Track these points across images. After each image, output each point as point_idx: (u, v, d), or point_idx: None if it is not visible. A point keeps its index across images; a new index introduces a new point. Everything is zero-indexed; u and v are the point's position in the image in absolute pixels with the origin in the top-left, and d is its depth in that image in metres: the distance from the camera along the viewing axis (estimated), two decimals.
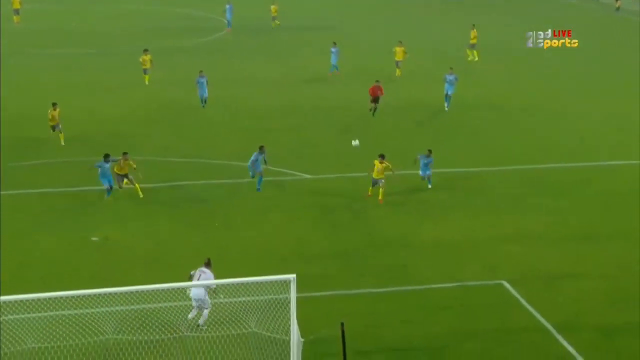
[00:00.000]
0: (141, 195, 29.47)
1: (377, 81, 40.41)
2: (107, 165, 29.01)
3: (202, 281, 19.25)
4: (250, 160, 29.80)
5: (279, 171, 32.99)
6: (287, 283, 17.55)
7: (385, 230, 26.54)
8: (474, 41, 55.88)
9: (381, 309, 21.48)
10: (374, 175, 29.40)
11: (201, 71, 42.36)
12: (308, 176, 32.71)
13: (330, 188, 31.29)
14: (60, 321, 18.55)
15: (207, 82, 41.91)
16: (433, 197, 29.95)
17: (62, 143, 36.02)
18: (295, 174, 32.87)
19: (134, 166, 29.59)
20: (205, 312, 19.64)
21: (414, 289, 22.53)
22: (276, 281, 17.96)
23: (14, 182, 31.26)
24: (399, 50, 49.08)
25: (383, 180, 29.28)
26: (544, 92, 46.40)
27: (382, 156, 29.53)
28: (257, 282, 18.44)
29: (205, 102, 41.96)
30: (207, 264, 20.30)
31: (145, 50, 48.04)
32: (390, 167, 29.41)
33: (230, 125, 40.10)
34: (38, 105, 40.74)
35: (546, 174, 32.77)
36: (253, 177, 30.23)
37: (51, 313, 18.63)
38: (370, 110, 40.10)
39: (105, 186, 29.24)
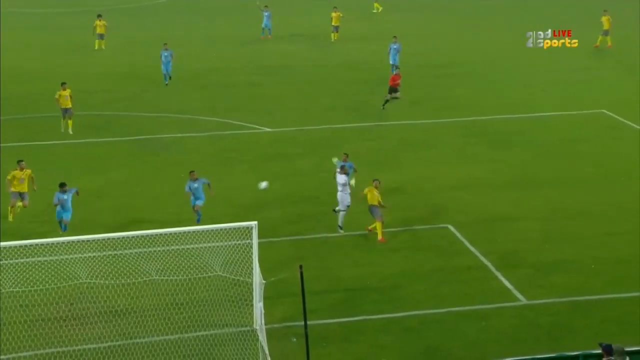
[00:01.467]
0: (10, 220, 22.77)
1: (396, 68, 36.05)
2: (65, 197, 21.97)
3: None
4: (186, 189, 22.93)
5: (240, 125, 32.84)
6: (249, 229, 17.58)
7: None
8: None
9: (336, 252, 21.62)
10: (369, 202, 22.31)
11: (165, 44, 38.83)
12: (268, 129, 32.59)
13: (289, 140, 31.23)
14: (36, 267, 18.39)
15: (172, 56, 38.29)
16: (384, 148, 30.05)
17: (70, 132, 30.44)
18: (255, 127, 32.71)
19: (32, 176, 23.11)
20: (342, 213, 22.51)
21: (366, 233, 22.66)
22: (239, 228, 17.96)
23: None
24: (335, 15, 49.04)
25: (381, 212, 22.17)
26: (481, 47, 46.70)
27: (376, 180, 22.59)
28: (221, 229, 18.44)
29: (169, 77, 38.31)
30: (343, 166, 23.00)
31: (99, 16, 45.71)
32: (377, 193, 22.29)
33: (192, 82, 39.54)
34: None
35: (487, 125, 33.02)
36: (194, 207, 22.63)
37: (27, 259, 18.45)
38: (387, 100, 33.82)
39: (58, 218, 21.94)
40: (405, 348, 17.24)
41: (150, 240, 19.79)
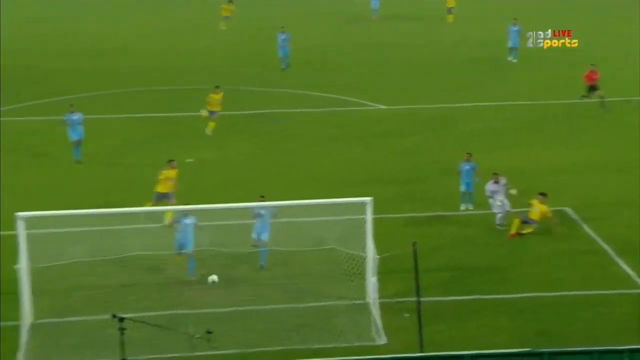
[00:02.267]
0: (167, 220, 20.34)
1: (592, 65, 32.03)
2: (187, 222, 18.64)
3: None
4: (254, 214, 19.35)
5: (355, 101, 33.01)
6: (363, 205, 17.71)
7: (454, 159, 26.26)
8: None
9: (450, 231, 21.48)
10: (530, 215, 21.14)
11: (282, 27, 38.32)
12: (382, 106, 32.61)
13: (402, 118, 31.16)
14: (164, 232, 19.14)
15: (289, 39, 37.69)
16: (499, 129, 29.55)
17: (209, 132, 28.44)
18: (369, 104, 32.79)
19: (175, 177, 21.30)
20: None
21: (480, 213, 22.37)
22: (354, 203, 18.12)
23: (107, 107, 32.01)
24: None
25: (536, 224, 21.05)
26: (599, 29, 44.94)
27: (543, 195, 21.25)
28: (337, 204, 18.69)
29: (286, 63, 37.54)
30: (496, 179, 21.53)
31: (230, 1, 47.27)
32: (549, 214, 21.07)
33: (302, 58, 39.75)
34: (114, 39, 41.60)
35: (597, 108, 31.86)
36: (256, 244, 19.29)
37: (157, 225, 19.16)
38: (602, 101, 31.54)
39: (177, 249, 18.69)
40: (518, 329, 17.01)
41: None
